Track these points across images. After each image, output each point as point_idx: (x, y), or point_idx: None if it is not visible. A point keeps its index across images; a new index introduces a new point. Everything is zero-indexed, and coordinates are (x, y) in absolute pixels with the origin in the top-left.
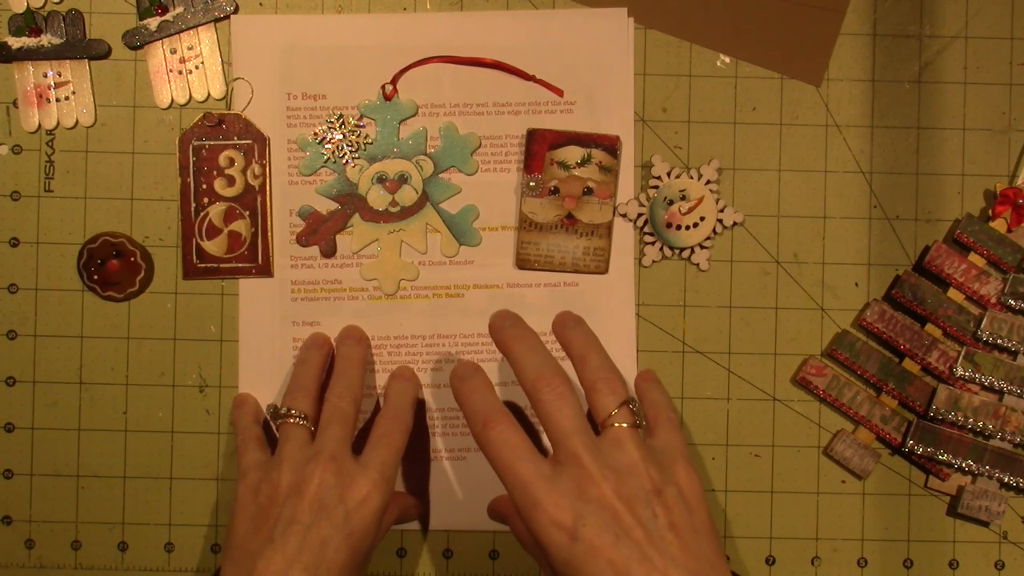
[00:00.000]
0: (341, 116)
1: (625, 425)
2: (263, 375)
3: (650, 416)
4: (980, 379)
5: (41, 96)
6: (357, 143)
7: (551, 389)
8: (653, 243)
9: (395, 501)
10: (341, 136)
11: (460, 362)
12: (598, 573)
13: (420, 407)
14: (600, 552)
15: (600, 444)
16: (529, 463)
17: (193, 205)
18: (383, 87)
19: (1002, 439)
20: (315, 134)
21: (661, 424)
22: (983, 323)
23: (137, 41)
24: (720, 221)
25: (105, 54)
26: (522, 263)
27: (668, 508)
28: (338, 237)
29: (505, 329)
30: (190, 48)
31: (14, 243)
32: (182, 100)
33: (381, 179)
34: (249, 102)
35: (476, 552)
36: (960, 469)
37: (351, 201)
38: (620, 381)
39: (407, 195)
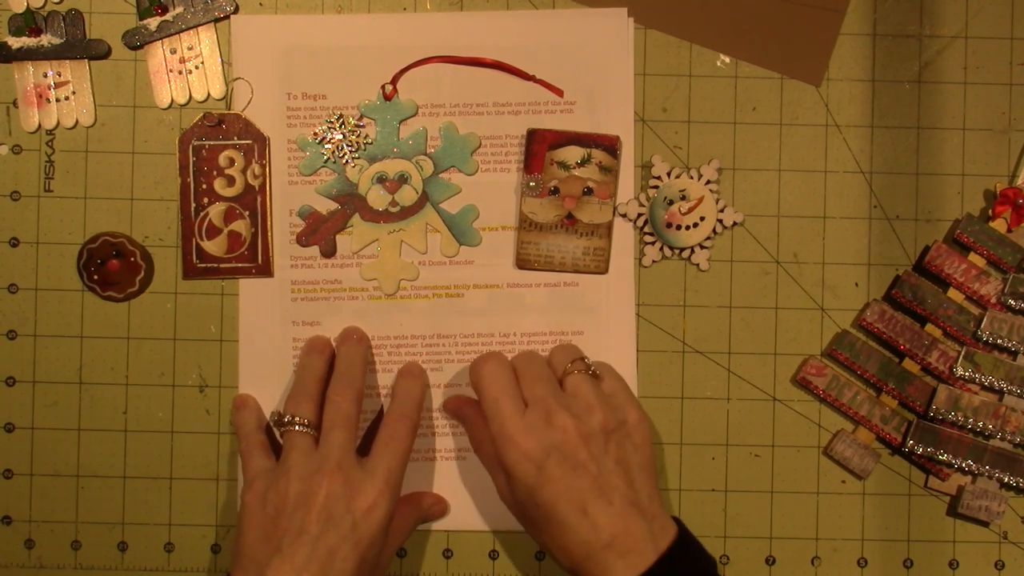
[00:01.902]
0: (341, 116)
1: (580, 372)
2: (263, 375)
3: (599, 369)
4: (980, 379)
5: (41, 96)
6: (357, 143)
7: (525, 355)
8: (653, 243)
9: (412, 504)
10: (341, 136)
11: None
12: (554, 498)
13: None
14: (559, 481)
15: (559, 392)
16: (508, 399)
17: (193, 205)
18: (383, 87)
19: (1002, 439)
20: (315, 134)
21: (608, 373)
22: (983, 323)
23: (137, 41)
24: (720, 221)
25: (105, 54)
26: (522, 263)
27: (619, 445)
28: (338, 237)
29: (478, 370)
30: (190, 48)
31: (14, 243)
32: (182, 100)
33: (381, 179)
34: (249, 102)
35: (476, 552)
36: (960, 469)
37: (351, 201)
38: (574, 348)
39: (407, 195)
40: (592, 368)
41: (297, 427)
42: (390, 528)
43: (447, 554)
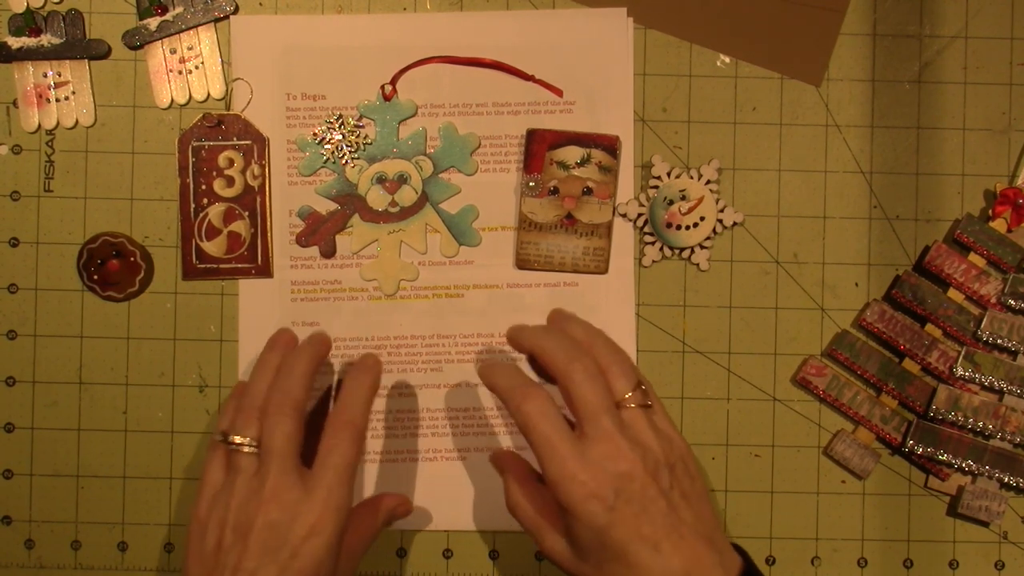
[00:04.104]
0: (341, 116)
1: (637, 406)
2: None
3: (648, 393)
4: (980, 379)
5: (41, 96)
6: (357, 143)
7: (583, 368)
8: (653, 243)
9: (370, 511)
10: (341, 136)
11: (485, 362)
12: (626, 538)
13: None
14: (630, 520)
15: (623, 423)
16: (565, 436)
17: (192, 205)
18: (383, 87)
19: (1002, 439)
20: (315, 134)
21: (652, 397)
22: (983, 323)
23: (137, 41)
24: (720, 221)
25: (105, 54)
26: (522, 263)
27: (679, 479)
28: (338, 237)
29: (520, 336)
30: (190, 48)
31: (14, 243)
32: (182, 100)
33: (381, 179)
34: (249, 102)
35: (476, 552)
36: (960, 469)
37: (351, 201)
38: (630, 364)
39: (407, 195)
40: (648, 398)
41: (244, 448)
42: (344, 545)
43: (447, 554)
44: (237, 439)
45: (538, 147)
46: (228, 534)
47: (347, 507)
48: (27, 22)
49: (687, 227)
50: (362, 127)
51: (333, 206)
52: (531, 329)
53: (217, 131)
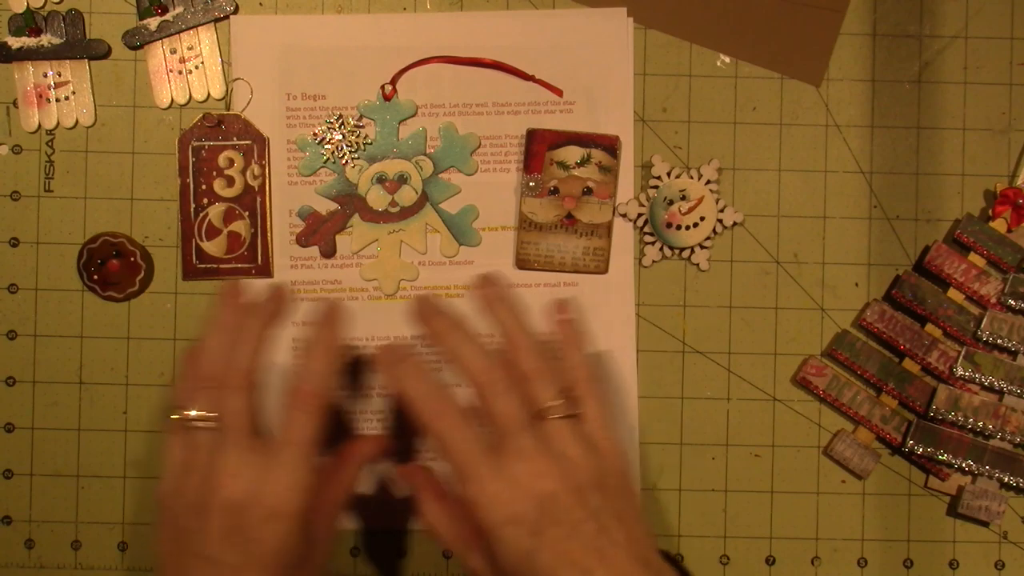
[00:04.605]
0: (341, 116)
1: (560, 416)
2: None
3: (576, 390)
4: (980, 379)
5: (41, 96)
6: (357, 143)
7: (498, 381)
8: (653, 243)
9: (338, 475)
10: (341, 136)
11: (388, 347)
12: (554, 564)
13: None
14: (556, 544)
15: (544, 438)
16: (484, 456)
17: (193, 206)
18: (383, 87)
19: (1002, 439)
20: (315, 134)
21: (587, 401)
22: (983, 323)
23: (137, 41)
24: (720, 221)
25: (105, 54)
26: (522, 263)
27: (611, 499)
28: (338, 237)
29: (433, 320)
30: (190, 48)
31: (14, 243)
32: (182, 100)
33: (381, 179)
34: (249, 102)
35: None
36: (960, 469)
37: (351, 201)
38: (554, 367)
39: (407, 195)
40: (575, 407)
41: (201, 424)
42: (317, 510)
43: (447, 554)
44: (191, 414)
45: (538, 147)
46: (191, 516)
47: (309, 484)
48: (27, 22)
49: (687, 227)
50: (362, 127)
51: (333, 206)
52: (442, 319)
53: (217, 131)
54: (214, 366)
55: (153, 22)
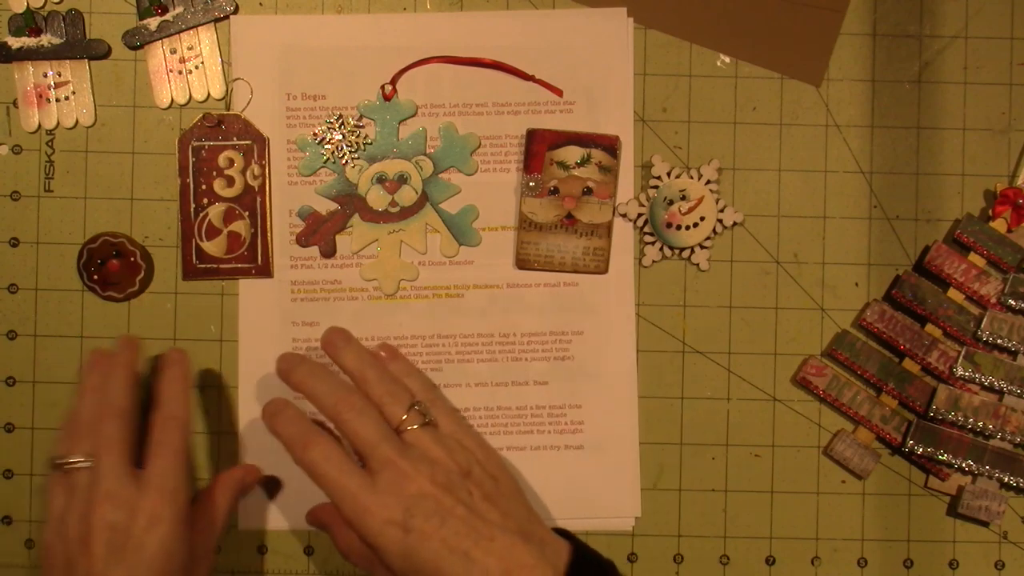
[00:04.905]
0: (341, 116)
1: (417, 426)
2: (263, 375)
3: (423, 403)
4: (980, 379)
5: (41, 96)
6: (357, 143)
7: (349, 408)
8: (653, 243)
9: (214, 490)
10: (341, 136)
11: (270, 401)
12: (434, 555)
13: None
14: (432, 536)
15: (404, 447)
16: (351, 475)
17: (193, 206)
18: (383, 87)
19: (1002, 439)
20: (315, 134)
21: (441, 411)
22: (983, 323)
23: (137, 41)
24: (720, 221)
25: (105, 54)
26: (522, 263)
27: (479, 484)
28: (338, 237)
29: (293, 372)
30: (190, 48)
31: (14, 243)
32: (182, 100)
33: (381, 179)
34: (249, 102)
35: None
36: (960, 469)
37: (351, 201)
38: (401, 389)
39: (407, 195)
40: (427, 415)
41: (80, 465)
42: (196, 527)
43: None
44: (71, 460)
45: (538, 147)
46: (74, 547)
47: (184, 493)
48: (27, 22)
49: (687, 227)
50: (362, 127)
51: (333, 206)
52: (297, 372)
53: (217, 131)
54: (88, 413)
55: (153, 22)
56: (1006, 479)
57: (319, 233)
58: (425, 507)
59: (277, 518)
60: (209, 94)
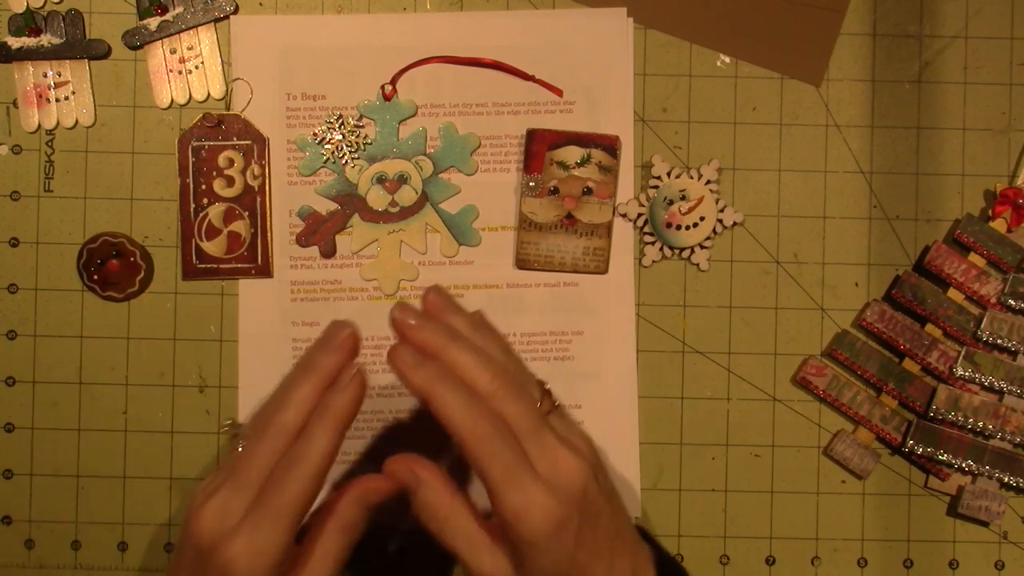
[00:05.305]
0: (340, 116)
1: (553, 409)
2: (263, 376)
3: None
4: (980, 379)
5: (41, 96)
6: (357, 143)
7: (507, 385)
8: (653, 243)
9: (329, 511)
10: (341, 136)
11: (402, 347)
12: (587, 561)
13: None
14: (587, 539)
15: (554, 434)
16: (519, 457)
17: (192, 206)
18: (383, 87)
19: (1002, 439)
20: (315, 134)
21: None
22: (983, 323)
23: (137, 41)
24: (720, 221)
25: (105, 54)
26: (522, 263)
27: (606, 476)
28: (338, 237)
29: (419, 369)
30: (190, 48)
31: (14, 243)
32: (182, 100)
33: (381, 179)
34: (249, 102)
35: None
36: (960, 469)
37: (351, 201)
38: (524, 366)
39: (407, 195)
40: (552, 398)
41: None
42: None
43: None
44: (228, 500)
45: (538, 147)
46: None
47: (278, 558)
48: (27, 22)
49: (687, 227)
50: (362, 127)
51: (333, 206)
52: (425, 372)
53: (217, 131)
54: (285, 436)
55: (153, 22)
56: (1006, 479)
57: (319, 233)
58: (586, 508)
59: None
60: (209, 94)
